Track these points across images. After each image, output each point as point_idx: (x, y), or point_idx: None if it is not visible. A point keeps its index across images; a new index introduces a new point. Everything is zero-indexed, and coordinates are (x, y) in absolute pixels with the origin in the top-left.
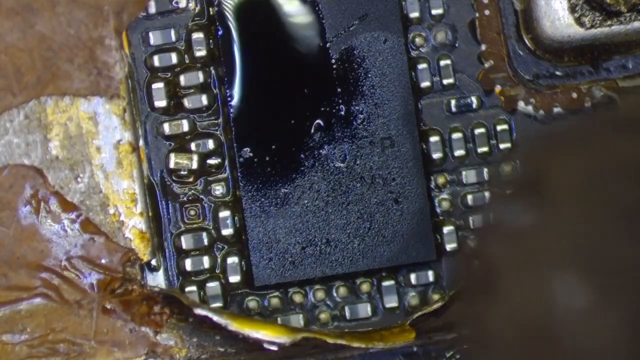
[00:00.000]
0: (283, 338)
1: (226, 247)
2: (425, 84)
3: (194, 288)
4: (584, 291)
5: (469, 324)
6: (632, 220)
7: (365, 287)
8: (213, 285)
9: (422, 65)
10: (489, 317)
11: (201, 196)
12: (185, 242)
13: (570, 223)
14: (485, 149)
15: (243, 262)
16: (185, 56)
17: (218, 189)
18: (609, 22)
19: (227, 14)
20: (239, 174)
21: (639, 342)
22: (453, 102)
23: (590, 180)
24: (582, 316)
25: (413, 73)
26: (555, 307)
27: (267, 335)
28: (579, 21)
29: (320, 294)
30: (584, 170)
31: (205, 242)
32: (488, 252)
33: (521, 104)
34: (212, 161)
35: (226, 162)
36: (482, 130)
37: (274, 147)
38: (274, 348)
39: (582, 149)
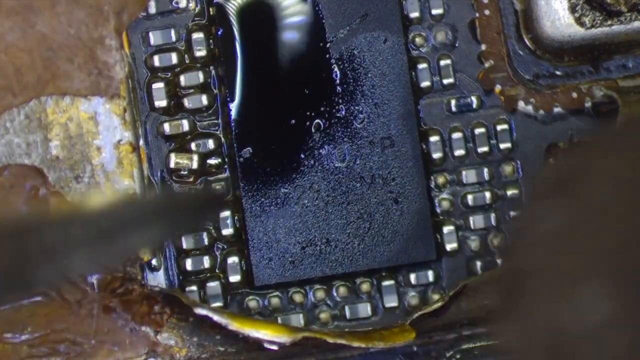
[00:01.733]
0: (283, 337)
1: (226, 246)
2: (425, 83)
3: (194, 288)
4: (612, 301)
5: (496, 334)
6: None
7: (365, 286)
8: (213, 285)
9: (422, 65)
10: (514, 327)
11: None
12: (186, 241)
13: (606, 226)
14: (485, 148)
15: (243, 262)
16: (186, 56)
17: (218, 189)
18: (609, 22)
19: (227, 13)
20: (239, 173)
21: None
22: (453, 101)
23: (631, 185)
24: (604, 330)
25: (413, 73)
26: (580, 321)
27: (268, 334)
28: (579, 21)
29: (320, 294)
30: (626, 174)
31: (206, 241)
32: (518, 251)
33: (521, 104)
34: (212, 161)
35: (226, 162)
36: (482, 130)
37: (274, 147)
38: (274, 347)
39: (626, 154)
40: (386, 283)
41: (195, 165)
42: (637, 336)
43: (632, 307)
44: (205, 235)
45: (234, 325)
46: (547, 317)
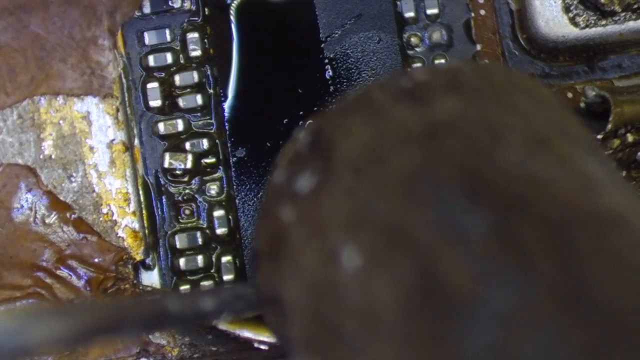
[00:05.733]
0: (273, 337)
1: (220, 246)
2: None
3: (188, 287)
4: (360, 253)
5: (264, 287)
6: (405, 184)
7: None
8: (207, 284)
9: (417, 65)
10: (280, 279)
11: (196, 195)
12: (180, 241)
13: (350, 189)
14: None
15: (237, 261)
16: (180, 56)
17: (212, 189)
18: (603, 22)
19: (222, 13)
20: (233, 173)
21: (407, 300)
22: None
23: (372, 146)
24: (357, 277)
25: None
26: (337, 269)
27: (258, 334)
28: (573, 21)
29: None
30: (368, 138)
31: (200, 241)
32: (275, 214)
33: None
34: (207, 160)
35: (221, 162)
36: None
37: (267, 146)
38: (265, 347)
39: (368, 117)
40: None
41: (189, 164)
42: (388, 278)
43: (379, 255)
44: (199, 234)
45: (225, 325)
46: (309, 270)
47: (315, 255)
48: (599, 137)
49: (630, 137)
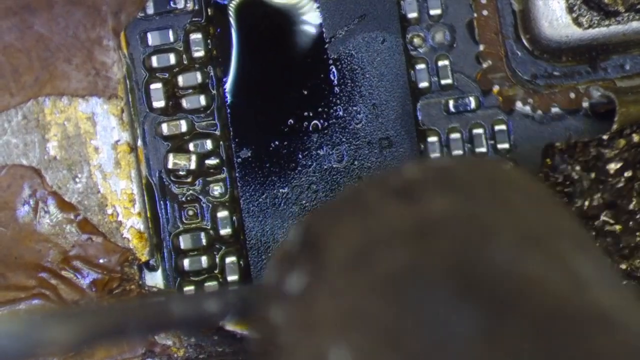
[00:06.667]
0: None
1: (224, 247)
2: (423, 84)
3: (192, 288)
4: (349, 355)
5: None
6: (394, 286)
7: None
8: (211, 285)
9: (421, 66)
10: None
11: (199, 196)
12: (184, 242)
13: (340, 290)
14: (483, 149)
15: (241, 262)
16: (184, 56)
17: (216, 189)
18: (606, 22)
19: (225, 13)
20: (237, 174)
21: None
22: (451, 102)
23: (360, 249)
24: None
25: (412, 72)
26: None
27: None
28: (576, 21)
29: None
30: (359, 236)
31: (204, 242)
32: (267, 316)
33: (519, 104)
34: (211, 161)
35: (224, 163)
36: (480, 130)
37: (272, 147)
38: None
39: (358, 217)
40: None
41: (193, 165)
42: None
43: (368, 358)
44: (203, 235)
45: (231, 326)
46: None
47: (305, 357)
48: (605, 137)
49: (635, 137)
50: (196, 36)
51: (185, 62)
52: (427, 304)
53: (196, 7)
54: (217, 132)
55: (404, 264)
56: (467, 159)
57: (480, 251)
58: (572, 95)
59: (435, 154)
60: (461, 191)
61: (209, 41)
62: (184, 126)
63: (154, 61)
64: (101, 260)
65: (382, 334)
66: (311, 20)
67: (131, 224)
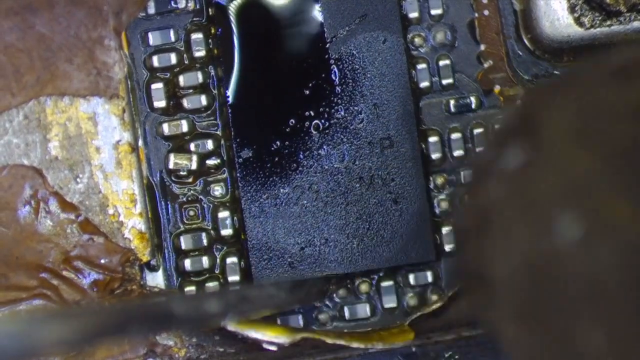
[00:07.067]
0: (282, 338)
1: (225, 247)
2: (424, 84)
3: (193, 288)
4: (581, 224)
5: (470, 269)
6: (627, 158)
7: (364, 287)
8: (212, 286)
9: (422, 66)
10: (488, 259)
11: (200, 196)
12: (185, 242)
13: (566, 162)
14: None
15: (242, 262)
16: (185, 56)
17: (217, 190)
18: (608, 22)
19: (226, 13)
20: (238, 174)
21: (630, 270)
22: (452, 102)
23: (585, 121)
24: (579, 246)
25: (413, 72)
26: (555, 240)
27: (266, 335)
28: (578, 21)
29: None
30: (580, 113)
31: (205, 242)
32: (483, 192)
33: None
34: (212, 162)
35: (225, 163)
36: (481, 130)
37: (273, 147)
38: (273, 348)
39: (578, 93)
40: (385, 284)
41: (194, 165)
42: (616, 246)
43: (602, 224)
44: (204, 235)
45: (233, 326)
46: (522, 243)
47: (530, 229)
48: None
49: None
50: (197, 36)
51: (186, 62)
52: None
53: (197, 7)
54: (218, 132)
55: (631, 138)
56: None
57: None
58: None
59: (436, 155)
60: None
61: (210, 41)
62: (185, 126)
63: (155, 61)
64: (102, 261)
65: (623, 197)
66: (312, 20)
67: (132, 224)
